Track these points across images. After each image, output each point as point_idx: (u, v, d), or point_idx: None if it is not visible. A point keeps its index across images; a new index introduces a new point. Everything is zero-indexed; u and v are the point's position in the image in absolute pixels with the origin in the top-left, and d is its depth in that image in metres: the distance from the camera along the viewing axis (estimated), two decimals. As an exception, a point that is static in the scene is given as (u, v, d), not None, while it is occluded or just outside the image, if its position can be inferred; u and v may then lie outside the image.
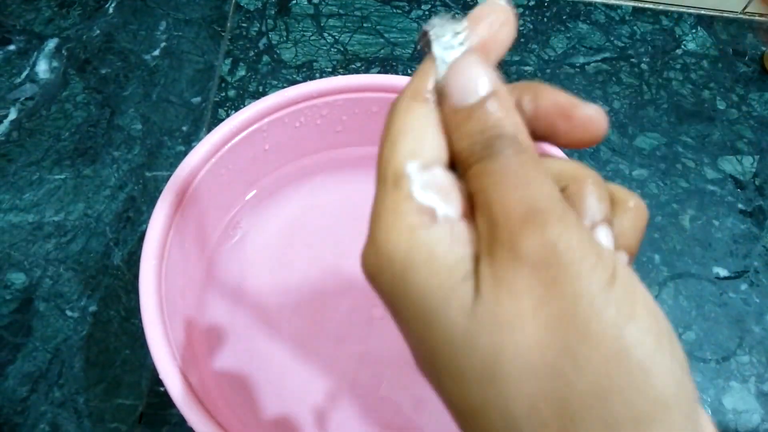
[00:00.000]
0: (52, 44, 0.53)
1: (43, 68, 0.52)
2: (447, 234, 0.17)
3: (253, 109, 0.39)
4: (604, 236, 0.18)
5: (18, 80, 0.51)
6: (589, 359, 0.15)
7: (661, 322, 0.16)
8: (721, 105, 0.56)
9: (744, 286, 0.47)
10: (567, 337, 0.15)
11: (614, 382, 0.15)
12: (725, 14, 0.62)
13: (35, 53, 0.52)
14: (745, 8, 0.62)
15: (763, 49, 0.60)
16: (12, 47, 0.52)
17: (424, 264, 0.16)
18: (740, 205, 0.51)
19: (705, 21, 0.61)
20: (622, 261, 0.16)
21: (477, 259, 0.17)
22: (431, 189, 0.17)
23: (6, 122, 0.49)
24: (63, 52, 0.53)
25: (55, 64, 0.52)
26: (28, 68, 0.52)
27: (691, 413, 0.15)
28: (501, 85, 0.18)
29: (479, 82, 0.18)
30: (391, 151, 0.18)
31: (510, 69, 0.56)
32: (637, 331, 0.15)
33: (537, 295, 0.15)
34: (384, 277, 0.17)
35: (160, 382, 0.40)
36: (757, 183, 0.52)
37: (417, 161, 0.18)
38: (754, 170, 0.53)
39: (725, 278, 0.48)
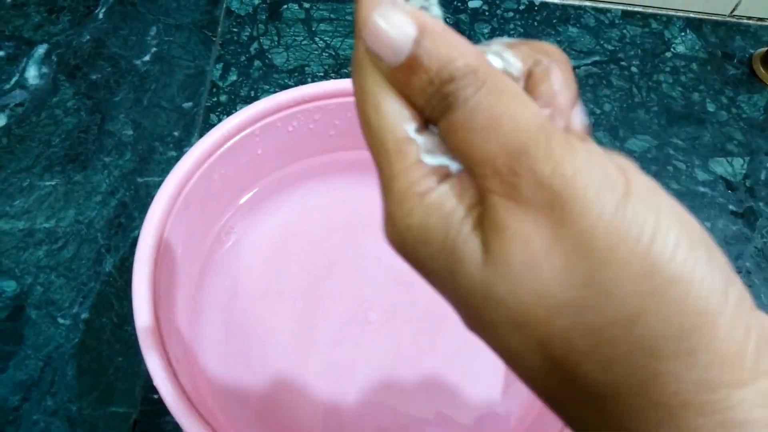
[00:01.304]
0: (41, 50, 0.53)
1: (32, 74, 0.51)
2: (455, 190, 0.16)
3: (245, 113, 0.39)
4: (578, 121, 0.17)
5: (7, 86, 0.50)
6: (615, 285, 0.14)
7: (692, 229, 0.15)
8: (710, 107, 0.56)
9: (736, 287, 0.48)
10: (587, 269, 0.14)
11: (647, 303, 0.14)
12: (714, 17, 0.62)
13: (25, 59, 0.52)
14: (733, 11, 0.62)
15: (752, 51, 0.60)
16: (1, 53, 0.52)
17: (438, 225, 0.16)
18: (731, 207, 0.51)
19: (694, 24, 0.62)
20: (633, 170, 0.15)
21: (481, 211, 0.16)
22: (437, 148, 0.16)
23: (-5, 129, 0.48)
24: (53, 57, 0.52)
25: (44, 69, 0.52)
26: (18, 74, 0.51)
27: (738, 316, 0.14)
28: (430, 19, 0.16)
29: (400, 29, 0.15)
30: (382, 118, 0.16)
31: (501, 72, 0.56)
32: (665, 246, 0.14)
33: (546, 236, 0.14)
34: (407, 247, 0.17)
35: (153, 390, 0.40)
36: (747, 184, 0.52)
37: (413, 123, 0.16)
38: (744, 172, 0.53)
39: (717, 279, 0.48)
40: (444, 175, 0.16)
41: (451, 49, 0.15)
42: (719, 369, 0.14)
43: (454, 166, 0.17)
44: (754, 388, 0.14)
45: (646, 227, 0.14)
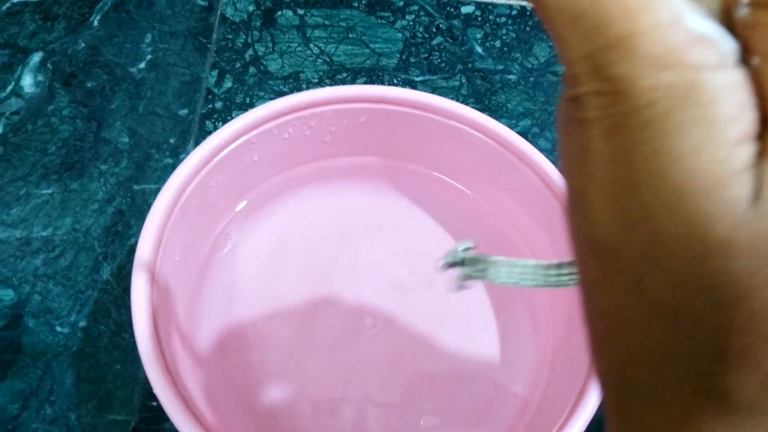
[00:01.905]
0: (36, 58, 0.53)
1: (28, 82, 0.51)
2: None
3: (241, 121, 0.39)
4: None
5: (3, 94, 0.51)
6: None
7: None
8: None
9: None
10: None
11: None
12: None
13: (20, 67, 0.52)
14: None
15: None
16: (-4, 62, 0.52)
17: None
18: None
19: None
20: None
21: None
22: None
23: (-9, 137, 0.48)
24: (48, 65, 0.52)
25: (40, 77, 0.52)
26: (13, 82, 0.51)
27: None
28: None
29: None
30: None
31: (494, 78, 0.56)
32: None
33: None
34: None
35: (152, 397, 0.40)
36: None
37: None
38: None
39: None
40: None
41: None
42: None
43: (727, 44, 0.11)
44: None
45: None
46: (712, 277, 0.11)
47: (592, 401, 0.33)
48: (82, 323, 0.42)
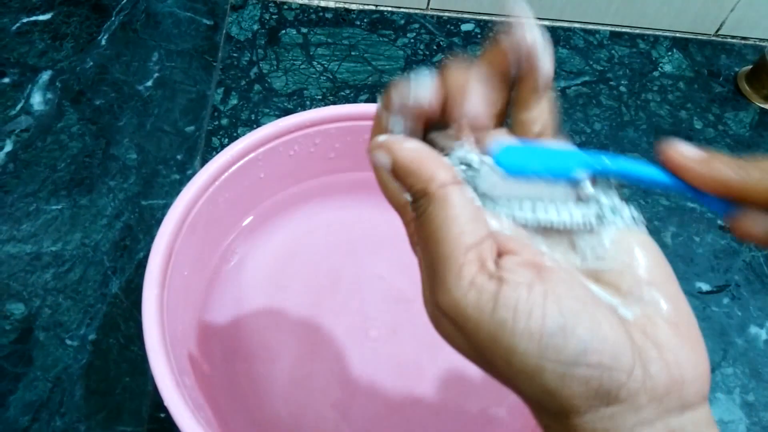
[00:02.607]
0: (46, 76, 0.54)
1: (37, 100, 0.53)
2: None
3: (248, 139, 0.40)
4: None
5: (13, 112, 0.52)
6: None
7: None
8: (698, 124, 0.58)
9: (726, 300, 0.49)
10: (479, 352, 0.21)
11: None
12: (699, 36, 0.64)
13: (29, 85, 0.53)
14: (718, 30, 0.64)
15: (737, 69, 0.62)
16: (6, 80, 0.53)
17: None
18: (719, 221, 0.52)
19: (680, 43, 0.63)
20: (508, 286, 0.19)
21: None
22: None
23: (2, 154, 0.49)
24: (57, 83, 0.54)
25: (49, 95, 0.53)
26: (23, 100, 0.52)
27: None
28: (403, 155, 0.22)
29: (381, 160, 0.23)
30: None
31: (494, 93, 0.58)
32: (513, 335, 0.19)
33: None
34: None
35: (160, 409, 0.40)
36: (734, 199, 0.54)
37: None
38: (731, 187, 0.55)
39: (707, 292, 0.49)
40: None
41: (411, 177, 0.21)
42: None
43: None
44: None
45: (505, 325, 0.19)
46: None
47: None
48: (92, 336, 0.43)
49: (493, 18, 0.63)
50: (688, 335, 0.21)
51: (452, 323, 0.20)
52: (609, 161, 0.22)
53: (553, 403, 0.19)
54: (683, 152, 0.21)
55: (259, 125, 0.49)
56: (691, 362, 0.20)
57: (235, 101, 0.54)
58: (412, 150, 0.22)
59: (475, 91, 0.23)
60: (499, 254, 0.21)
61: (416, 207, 0.21)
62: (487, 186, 0.22)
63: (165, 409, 0.32)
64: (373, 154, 0.23)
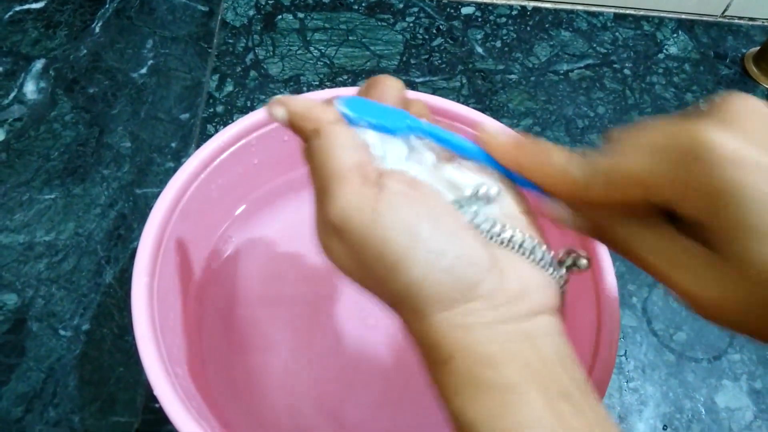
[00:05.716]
0: (39, 65, 0.53)
1: (30, 89, 0.52)
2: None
3: (241, 124, 0.39)
4: None
5: (6, 101, 0.51)
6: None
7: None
8: (704, 107, 0.57)
9: (732, 286, 0.48)
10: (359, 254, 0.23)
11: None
12: (705, 18, 0.63)
13: (22, 74, 0.53)
14: (724, 11, 0.63)
15: (744, 50, 0.61)
16: (-1, 69, 0.53)
17: None
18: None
19: (686, 25, 0.62)
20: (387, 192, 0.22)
21: None
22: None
23: (-5, 144, 0.49)
24: (50, 72, 0.53)
25: (42, 84, 0.52)
26: (16, 89, 0.52)
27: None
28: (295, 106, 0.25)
29: (278, 114, 0.25)
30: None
31: (495, 78, 0.56)
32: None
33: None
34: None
35: (155, 399, 0.40)
36: (741, 183, 0.53)
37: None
38: (738, 171, 0.53)
39: (714, 278, 0.48)
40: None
41: (304, 121, 0.25)
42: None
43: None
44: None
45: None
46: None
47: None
48: (85, 326, 0.42)
49: (494, 1, 0.62)
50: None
51: (338, 235, 0.23)
52: (426, 126, 0.26)
53: (420, 295, 0.22)
54: (494, 135, 0.25)
55: (254, 111, 0.48)
56: (535, 279, 0.23)
57: (230, 88, 0.53)
58: (303, 100, 0.25)
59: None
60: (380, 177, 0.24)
61: (309, 146, 0.24)
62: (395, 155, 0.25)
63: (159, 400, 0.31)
64: (271, 109, 0.25)
